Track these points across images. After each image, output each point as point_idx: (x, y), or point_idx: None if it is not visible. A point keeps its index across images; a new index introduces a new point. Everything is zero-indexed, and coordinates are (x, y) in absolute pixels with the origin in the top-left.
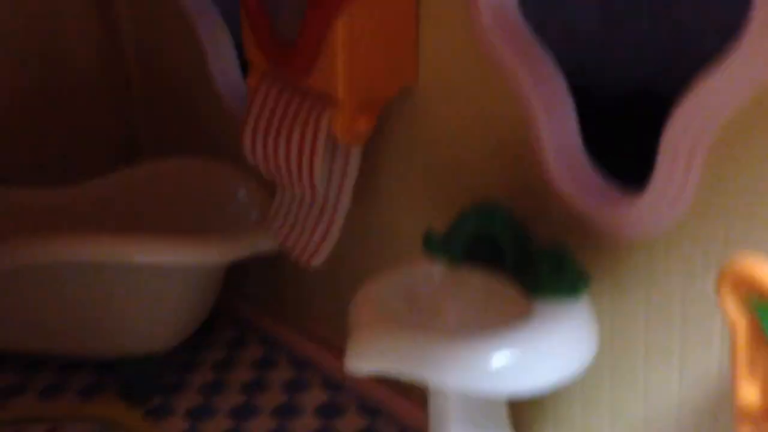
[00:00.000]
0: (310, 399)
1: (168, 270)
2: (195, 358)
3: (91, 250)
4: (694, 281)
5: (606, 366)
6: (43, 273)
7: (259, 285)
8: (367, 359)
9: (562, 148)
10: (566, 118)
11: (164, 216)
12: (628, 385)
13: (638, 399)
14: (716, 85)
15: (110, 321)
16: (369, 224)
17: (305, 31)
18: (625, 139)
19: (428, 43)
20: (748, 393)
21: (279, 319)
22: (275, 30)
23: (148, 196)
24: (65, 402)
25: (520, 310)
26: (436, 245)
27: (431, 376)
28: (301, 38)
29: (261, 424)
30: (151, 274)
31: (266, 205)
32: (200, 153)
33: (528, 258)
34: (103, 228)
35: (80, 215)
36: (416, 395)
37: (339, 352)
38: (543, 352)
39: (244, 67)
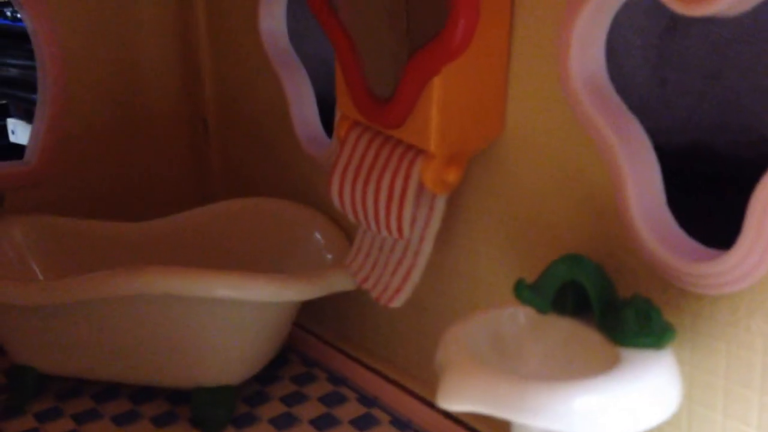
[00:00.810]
0: None
1: (246, 305)
2: (265, 391)
3: (175, 284)
4: None
5: (684, 416)
6: (125, 304)
7: (330, 322)
8: (459, 400)
9: (647, 204)
10: (651, 175)
11: (241, 254)
12: None
13: None
14: None
15: (187, 352)
16: (448, 269)
17: (402, 88)
18: (682, 193)
19: (516, 100)
20: None
21: (348, 356)
22: (369, 86)
23: (226, 234)
24: (139, 429)
25: (605, 358)
26: (526, 293)
27: (520, 418)
28: (397, 94)
29: None
30: (229, 309)
31: (342, 247)
32: (276, 195)
33: (614, 308)
34: (179, 262)
35: (158, 249)
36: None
37: (407, 390)
38: (628, 402)
39: (321, 113)
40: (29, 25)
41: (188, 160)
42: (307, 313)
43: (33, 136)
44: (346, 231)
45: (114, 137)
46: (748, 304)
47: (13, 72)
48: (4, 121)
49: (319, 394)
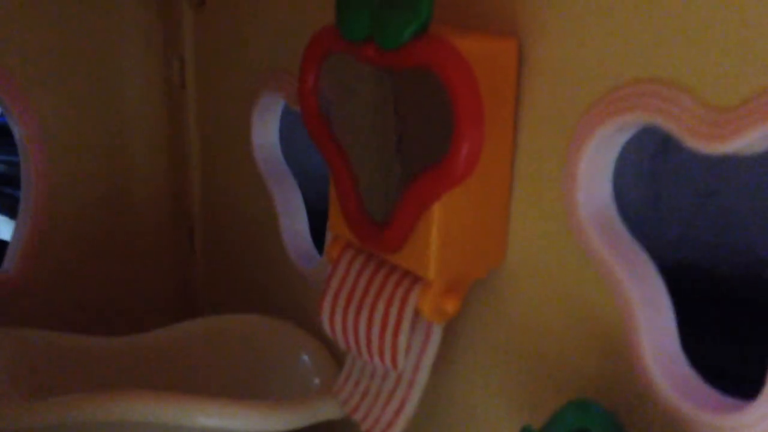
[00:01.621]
0: None
1: None
2: None
3: (153, 410)
4: None
5: None
6: (103, 429)
7: None
8: None
9: (660, 347)
10: (664, 316)
11: (225, 374)
12: None
13: None
14: None
15: None
16: (442, 400)
17: (399, 213)
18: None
19: (518, 228)
20: None
21: None
22: (365, 208)
23: (210, 352)
24: None
25: None
26: None
27: None
28: (394, 219)
29: None
30: None
31: (331, 371)
32: (263, 312)
33: None
34: (158, 382)
35: (140, 367)
36: None
37: None
38: None
39: (312, 226)
40: (15, 129)
41: (172, 271)
42: None
43: (13, 243)
44: (335, 354)
45: (98, 246)
46: None
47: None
48: None
49: None
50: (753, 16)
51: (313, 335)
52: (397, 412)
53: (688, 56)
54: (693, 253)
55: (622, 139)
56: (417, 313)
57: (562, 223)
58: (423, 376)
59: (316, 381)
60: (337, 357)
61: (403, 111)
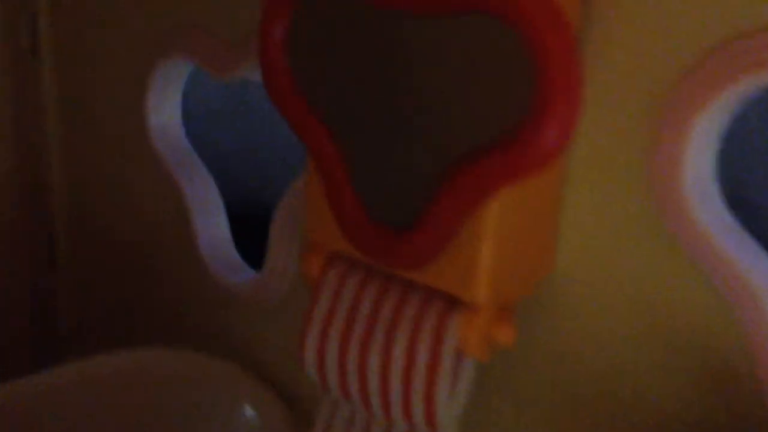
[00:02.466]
0: None
1: None
2: None
3: None
4: None
5: None
6: None
7: None
8: None
9: None
10: None
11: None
12: None
13: None
14: None
15: None
16: None
17: (433, 214)
18: None
19: (575, 226)
20: None
21: None
22: (365, 209)
23: (105, 404)
24: None
25: None
26: None
27: None
28: (424, 223)
29: None
30: None
31: (284, 427)
32: (166, 342)
33: None
34: None
35: (14, 423)
36: None
37: None
38: None
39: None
40: None
41: (24, 289)
42: None
43: None
44: (290, 402)
45: None
46: None
47: None
48: None
49: None
50: None
51: (255, 376)
52: None
53: None
54: None
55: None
56: (459, 353)
57: (645, 215)
58: (450, 429)
59: None
60: (295, 409)
61: (430, 72)
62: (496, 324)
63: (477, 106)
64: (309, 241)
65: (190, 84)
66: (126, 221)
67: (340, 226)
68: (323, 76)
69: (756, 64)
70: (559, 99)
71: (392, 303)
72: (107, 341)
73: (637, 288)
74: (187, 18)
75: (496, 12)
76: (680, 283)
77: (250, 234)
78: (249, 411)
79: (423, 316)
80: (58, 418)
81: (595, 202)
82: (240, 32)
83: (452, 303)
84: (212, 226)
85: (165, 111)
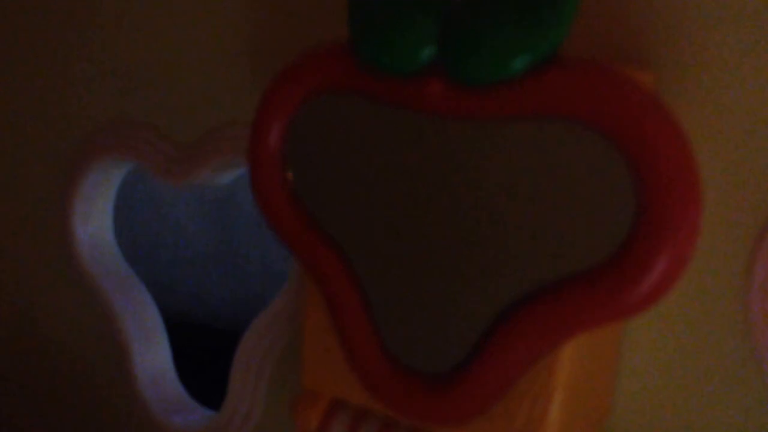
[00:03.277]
0: None
1: None
2: None
3: None
4: None
5: None
6: None
7: None
8: None
9: None
10: None
11: None
12: None
13: None
14: None
15: None
16: None
17: (484, 364)
18: None
19: (632, 365)
20: None
21: None
22: (389, 352)
23: None
24: None
25: None
26: None
27: None
28: (471, 373)
29: None
30: None
31: None
32: None
33: None
34: None
35: None
36: None
37: None
38: None
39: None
40: None
41: None
42: None
43: None
44: None
45: None
46: None
47: None
48: None
49: None
50: None
51: None
52: None
53: None
54: None
55: None
56: None
57: (721, 355)
58: None
59: None
60: None
61: (482, 188)
62: None
63: (553, 232)
64: (306, 387)
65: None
66: (47, 346)
67: (356, 372)
68: (330, 190)
69: None
70: (677, 226)
71: None
72: None
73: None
74: (128, 112)
75: (593, 121)
76: None
77: (198, 362)
78: None
79: None
80: None
81: (663, 346)
82: (193, 132)
83: None
84: (153, 355)
85: (95, 218)
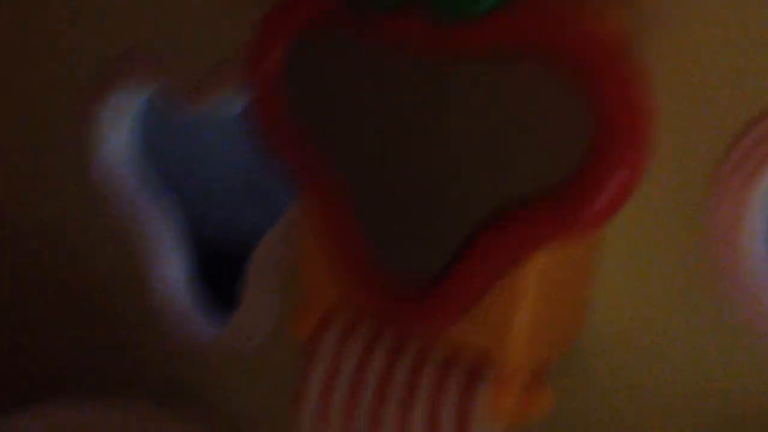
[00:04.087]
0: None
1: None
2: None
3: None
4: None
5: None
6: None
7: None
8: None
9: None
10: None
11: None
12: None
13: None
14: None
15: None
16: None
17: (461, 273)
18: None
19: (608, 278)
20: None
21: None
22: (376, 259)
23: None
24: None
25: None
26: None
27: None
28: (451, 281)
29: None
30: None
31: None
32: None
33: None
34: None
35: None
36: None
37: None
38: None
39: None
40: None
41: None
42: None
43: None
44: None
45: None
46: None
47: None
48: None
49: None
50: None
51: None
52: None
53: None
54: None
55: None
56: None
57: (692, 276)
58: None
59: None
60: None
61: (463, 120)
62: (530, 392)
63: (519, 158)
64: (302, 296)
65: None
66: (68, 267)
67: (347, 281)
68: (326, 113)
69: None
70: (622, 144)
71: (406, 367)
72: (43, 395)
73: (681, 353)
74: (142, 41)
75: (545, 54)
76: (734, 349)
77: (212, 278)
78: None
79: (444, 382)
80: None
81: (633, 261)
82: (205, 61)
83: (479, 367)
84: (170, 270)
85: (115, 142)
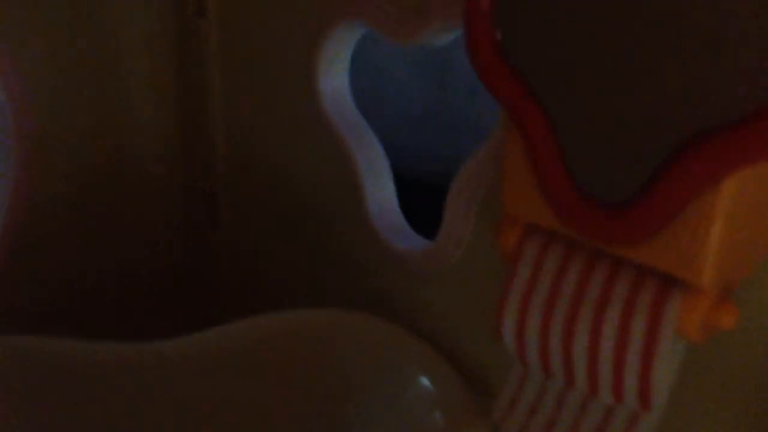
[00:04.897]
0: None
1: None
2: None
3: None
4: None
5: None
6: None
7: None
8: None
9: None
10: None
11: (301, 395)
12: None
13: None
14: None
15: None
16: None
17: (657, 193)
18: None
19: None
20: None
21: None
22: (575, 182)
23: (277, 363)
24: None
25: None
26: None
27: None
28: (646, 201)
29: None
30: None
31: (460, 402)
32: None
33: None
34: (209, 402)
35: (180, 383)
36: None
37: None
38: None
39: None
40: None
41: (186, 252)
42: None
43: None
44: (459, 368)
45: (90, 220)
46: None
47: None
48: None
49: None
50: None
51: (432, 348)
52: None
53: None
54: None
55: None
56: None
57: None
58: (659, 402)
59: (438, 416)
60: (471, 381)
61: (667, 35)
62: (719, 307)
63: (724, 75)
64: (505, 212)
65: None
66: (291, 183)
67: (547, 200)
68: (533, 39)
69: None
70: None
71: (600, 279)
72: (270, 303)
73: None
74: None
75: None
76: None
77: (412, 204)
78: (424, 381)
79: (637, 294)
80: (227, 372)
81: None
82: None
83: (669, 283)
84: (381, 191)
85: (335, 75)
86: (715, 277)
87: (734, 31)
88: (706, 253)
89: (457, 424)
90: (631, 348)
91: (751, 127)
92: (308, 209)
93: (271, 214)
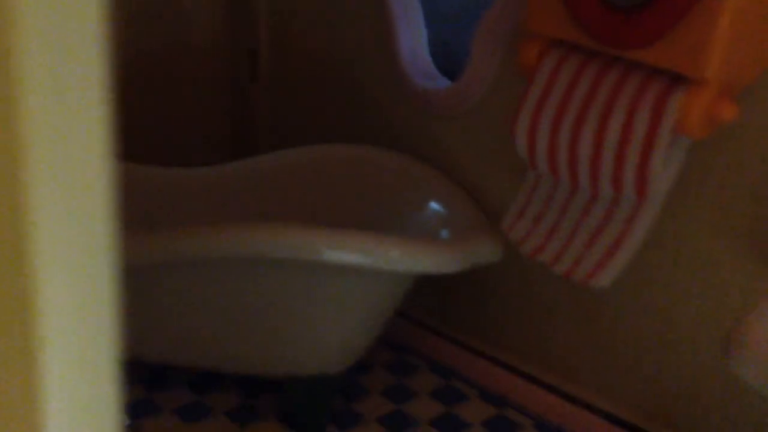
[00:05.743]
0: None
1: (362, 276)
2: (359, 383)
3: (282, 243)
4: None
5: None
6: (200, 271)
7: (428, 302)
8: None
9: None
10: None
11: (327, 216)
12: None
13: None
14: None
15: (280, 334)
16: (665, 243)
17: None
18: None
19: None
20: None
21: (459, 345)
22: None
23: (308, 187)
24: (213, 426)
25: None
26: None
27: None
28: (656, 2)
29: None
30: (338, 279)
31: (465, 221)
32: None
33: None
34: (263, 212)
35: (230, 200)
36: None
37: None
38: None
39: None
40: None
41: (229, 102)
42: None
43: None
44: (476, 200)
45: (144, 70)
46: None
47: None
48: None
49: (430, 389)
50: None
51: (445, 175)
52: (610, 253)
53: None
54: None
55: None
56: (676, 128)
57: None
58: (654, 204)
59: (444, 232)
60: (482, 205)
61: None
62: (720, 101)
63: None
64: (527, 30)
65: None
66: (327, 33)
67: (571, 9)
68: None
69: None
70: None
71: (611, 82)
72: (306, 142)
73: None
74: None
75: None
76: None
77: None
78: (434, 205)
79: (643, 92)
80: (254, 194)
81: None
82: None
83: (675, 81)
84: (413, 36)
85: None
86: (719, 71)
87: None
88: (712, 45)
89: (460, 237)
90: (633, 142)
91: None
92: (343, 55)
93: (305, 65)
